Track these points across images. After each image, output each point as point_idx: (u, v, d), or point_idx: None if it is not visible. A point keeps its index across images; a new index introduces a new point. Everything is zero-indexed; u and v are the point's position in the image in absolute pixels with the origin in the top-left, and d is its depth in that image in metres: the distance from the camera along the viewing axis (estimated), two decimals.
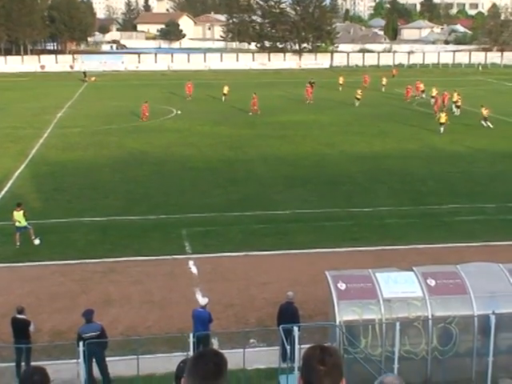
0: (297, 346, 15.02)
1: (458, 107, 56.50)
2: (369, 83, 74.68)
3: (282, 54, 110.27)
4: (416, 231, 27.07)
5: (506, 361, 16.71)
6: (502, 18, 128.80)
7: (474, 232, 26.90)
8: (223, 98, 65.21)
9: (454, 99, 57.18)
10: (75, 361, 15.54)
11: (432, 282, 16.80)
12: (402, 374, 15.71)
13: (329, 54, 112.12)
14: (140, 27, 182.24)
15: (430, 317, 16.35)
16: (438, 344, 16.43)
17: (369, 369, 14.17)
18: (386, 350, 16.19)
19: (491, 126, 49.27)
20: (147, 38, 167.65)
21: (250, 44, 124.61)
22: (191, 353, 15.48)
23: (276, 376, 15.64)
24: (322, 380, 3.67)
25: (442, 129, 47.42)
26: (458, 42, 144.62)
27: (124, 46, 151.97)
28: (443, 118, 47.94)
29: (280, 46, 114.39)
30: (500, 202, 30.61)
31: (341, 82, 68.16)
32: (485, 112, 50.27)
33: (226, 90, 65.84)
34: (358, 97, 61.52)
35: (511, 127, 50.54)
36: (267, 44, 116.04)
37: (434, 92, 60.36)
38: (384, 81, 71.76)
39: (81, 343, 15.15)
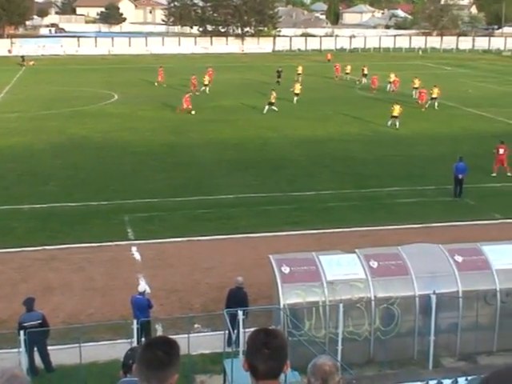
0: (241, 330, 15.01)
1: (415, 89, 57.58)
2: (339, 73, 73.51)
3: (224, 38, 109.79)
4: (358, 214, 27.32)
5: (447, 339, 17.03)
6: (442, 2, 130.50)
7: (414, 214, 27.29)
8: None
9: (416, 85, 57.87)
10: (16, 350, 15.26)
11: (374, 264, 16.98)
12: (346, 354, 15.90)
13: (271, 39, 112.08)
14: (79, 10, 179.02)
15: (372, 298, 16.54)
16: (381, 325, 16.64)
17: (313, 351, 14.24)
18: (329, 331, 16.33)
19: (436, 108, 50.40)
20: (87, 22, 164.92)
21: (192, 28, 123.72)
22: (135, 339, 15.36)
23: (221, 360, 15.60)
24: (267, 363, 3.66)
25: (394, 122, 44.41)
26: (398, 26, 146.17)
27: (63, 29, 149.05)
28: (396, 110, 44.62)
29: (222, 30, 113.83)
30: (439, 184, 31.10)
31: (299, 72, 67.65)
32: (436, 93, 51.14)
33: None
34: (297, 92, 55.88)
35: (450, 110, 51.39)
36: (209, 28, 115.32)
37: (417, 83, 58.23)
38: (348, 69, 71.14)
39: (22, 332, 14.90)
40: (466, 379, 13.15)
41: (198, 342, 16.35)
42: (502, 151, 32.94)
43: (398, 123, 44.15)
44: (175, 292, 20.17)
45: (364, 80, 67.03)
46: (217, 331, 16.96)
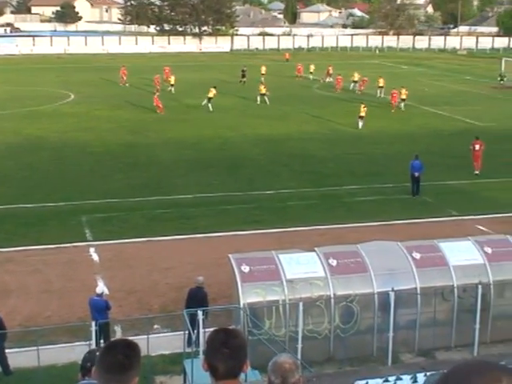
0: (201, 330, 14.95)
1: (381, 88, 58.17)
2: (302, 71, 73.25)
3: (181, 38, 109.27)
4: (317, 212, 27.43)
5: (406, 336, 17.19)
6: (398, 2, 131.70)
7: (373, 212, 27.49)
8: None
9: (381, 84, 58.29)
10: None
11: (333, 262, 17.05)
12: (306, 352, 15.93)
13: (229, 38, 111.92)
14: (35, 10, 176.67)
15: (332, 296, 16.60)
16: (340, 322, 16.72)
17: (273, 349, 14.23)
18: (289, 330, 16.35)
19: (403, 109, 50.85)
20: (42, 21, 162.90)
21: (149, 27, 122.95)
22: (93, 341, 15.20)
23: (181, 361, 15.53)
24: (227, 362, 3.65)
25: (358, 122, 44.44)
26: (355, 25, 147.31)
27: (18, 29, 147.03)
28: (363, 110, 44.27)
29: (180, 30, 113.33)
30: (397, 182, 31.37)
31: (263, 72, 67.34)
32: (404, 94, 51.51)
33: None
34: (263, 92, 54.75)
35: (407, 109, 51.86)
36: (167, 27, 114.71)
37: (382, 82, 58.29)
38: (312, 68, 71.12)
39: None
40: (425, 375, 13.25)
41: (157, 343, 16.23)
42: (477, 147, 33.11)
43: (361, 124, 44.16)
44: (134, 293, 20.01)
45: (329, 79, 67.17)
46: (176, 331, 16.86)
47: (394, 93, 51.70)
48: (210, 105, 49.67)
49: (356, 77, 62.55)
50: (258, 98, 54.48)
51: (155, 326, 17.75)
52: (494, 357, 14.52)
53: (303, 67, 71.66)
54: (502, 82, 67.57)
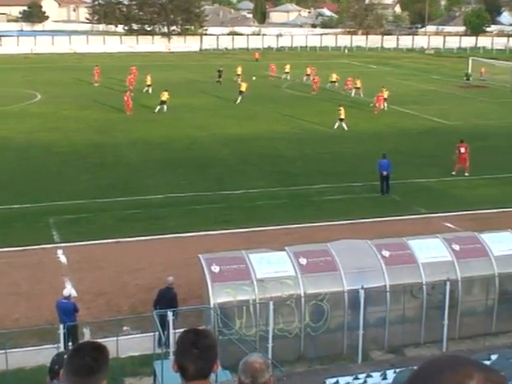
0: (171, 331, 14.87)
1: (357, 88, 58.44)
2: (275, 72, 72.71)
3: (150, 37, 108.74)
4: (286, 212, 27.45)
5: (375, 333, 17.28)
6: (366, 2, 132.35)
7: (343, 210, 27.59)
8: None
9: (358, 85, 58.60)
10: None
11: (303, 261, 17.07)
12: (276, 351, 15.93)
13: (198, 37, 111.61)
14: (1, 9, 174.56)
15: (302, 295, 16.62)
16: (311, 321, 16.75)
17: (243, 349, 14.20)
18: (260, 329, 16.34)
19: (386, 109, 50.99)
20: (9, 21, 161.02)
21: (117, 26, 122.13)
22: (61, 344, 15.05)
23: (151, 362, 15.43)
24: (196, 363, 3.62)
25: (341, 124, 43.88)
26: (324, 25, 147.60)
27: None
28: (342, 112, 43.88)
29: (148, 29, 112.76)
30: (366, 180, 31.52)
31: (239, 73, 67.02)
32: (385, 94, 51.64)
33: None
34: (243, 90, 55.03)
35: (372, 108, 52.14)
36: (135, 27, 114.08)
37: (358, 83, 58.56)
38: (288, 68, 70.99)
39: None
40: (395, 371, 13.33)
41: (127, 345, 16.13)
42: (463, 150, 33.07)
43: (344, 125, 43.93)
44: (102, 295, 19.84)
45: (306, 79, 66.80)
46: (146, 333, 16.75)
47: (380, 96, 51.28)
48: (165, 106, 49.10)
49: (334, 77, 62.71)
50: (239, 98, 54.27)
51: (124, 328, 17.62)
52: (463, 353, 14.64)
53: (276, 67, 71.67)
54: (468, 81, 68.25)
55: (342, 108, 44.24)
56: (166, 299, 16.73)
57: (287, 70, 70.02)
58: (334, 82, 62.49)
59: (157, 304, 16.80)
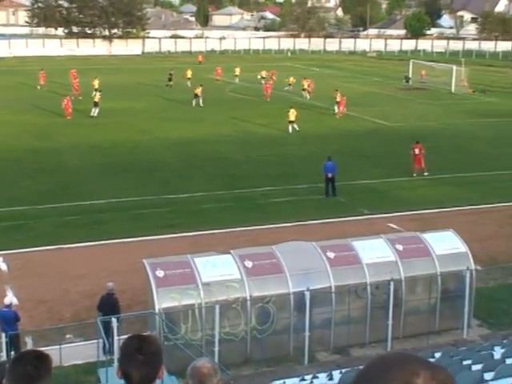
0: (116, 338, 14.69)
1: (306, 90, 58.71)
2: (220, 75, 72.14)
3: (91, 40, 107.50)
4: (232, 215, 27.41)
5: (321, 334, 17.36)
6: (309, 5, 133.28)
7: (288, 212, 27.68)
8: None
9: (305, 87, 58.75)
10: None
11: (249, 264, 17.06)
12: (223, 355, 15.87)
13: (140, 40, 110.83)
14: None
15: (248, 298, 16.59)
16: (257, 324, 16.74)
17: (190, 354, 14.11)
18: (206, 333, 16.26)
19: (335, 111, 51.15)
20: None
21: (56, 29, 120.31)
22: (4, 354, 14.74)
23: (95, 370, 15.22)
24: (141, 369, 3.57)
25: (293, 126, 43.96)
26: (267, 28, 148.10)
27: None
28: (292, 114, 43.87)
29: (89, 32, 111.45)
30: (310, 182, 31.69)
31: (189, 76, 66.39)
32: (338, 97, 51.75)
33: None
34: (198, 93, 54.92)
35: (319, 110, 52.56)
36: (75, 30, 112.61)
37: (306, 84, 58.90)
38: (237, 71, 70.65)
39: None
40: (340, 372, 13.42)
41: (70, 353, 15.88)
42: (417, 151, 33.61)
43: (296, 127, 43.95)
44: (44, 302, 19.49)
45: (263, 81, 66.44)
46: (90, 340, 16.51)
47: (343, 99, 51.15)
48: (96, 110, 48.56)
49: (291, 81, 62.83)
50: (194, 101, 54.43)
51: (67, 336, 17.35)
52: (408, 351, 14.76)
53: (221, 70, 71.47)
54: (407, 83, 69.22)
55: (292, 110, 44.37)
56: (108, 305, 16.53)
57: (237, 73, 69.92)
58: (290, 84, 62.76)
59: (99, 311, 16.59)
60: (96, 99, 48.84)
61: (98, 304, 16.90)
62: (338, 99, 51.57)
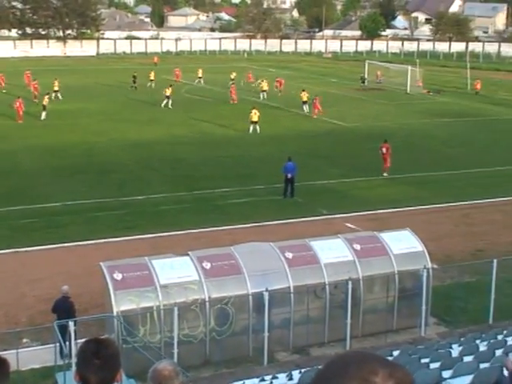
0: (73, 342, 14.52)
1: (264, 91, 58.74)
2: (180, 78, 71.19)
3: (45, 41, 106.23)
4: (190, 216, 27.31)
5: (280, 334, 17.38)
6: (265, 6, 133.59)
7: (247, 213, 27.68)
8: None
9: (264, 88, 58.87)
10: None
11: (207, 265, 17.00)
12: (182, 357, 15.79)
13: (95, 42, 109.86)
14: None
15: (206, 299, 16.54)
16: (216, 325, 16.70)
17: (148, 357, 14.02)
18: (165, 336, 16.17)
19: (307, 111, 51.32)
20: None
21: (10, 31, 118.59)
22: None
23: (53, 374, 15.03)
24: (98, 373, 3.51)
25: (255, 128, 43.78)
26: (223, 29, 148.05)
27: None
28: (255, 115, 43.76)
29: (43, 33, 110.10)
30: (268, 183, 31.73)
31: (152, 78, 65.35)
32: (304, 97, 52.12)
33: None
34: (168, 94, 54.57)
35: (275, 111, 52.67)
36: (29, 31, 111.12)
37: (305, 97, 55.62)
38: (200, 72, 70.08)
39: None
40: (300, 372, 13.45)
41: (27, 357, 15.65)
42: (384, 150, 34.03)
43: (257, 128, 43.89)
44: (0, 306, 19.16)
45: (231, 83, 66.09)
46: (47, 344, 16.29)
47: (316, 99, 51.00)
48: (44, 113, 47.90)
49: (265, 86, 62.51)
50: (164, 102, 54.01)
51: (24, 340, 17.10)
52: (367, 350, 14.88)
53: (180, 72, 70.88)
54: (363, 84, 69.82)
55: (254, 110, 44.33)
56: (63, 309, 16.35)
57: (200, 75, 69.48)
58: (265, 90, 62.74)
59: (53, 313, 16.43)
60: (44, 102, 48.05)
61: (52, 307, 16.72)
62: (305, 99, 51.99)
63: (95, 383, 3.54)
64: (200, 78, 69.17)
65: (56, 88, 57.08)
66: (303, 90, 53.27)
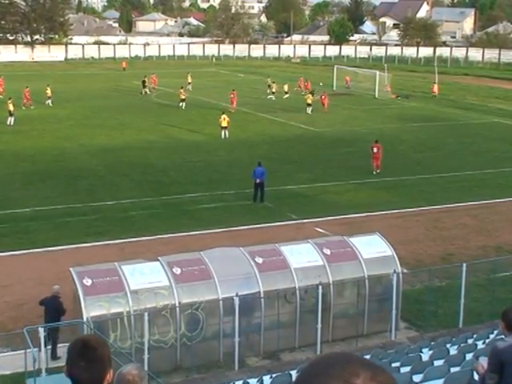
0: (43, 348, 14.45)
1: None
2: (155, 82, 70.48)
3: (13, 46, 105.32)
4: (160, 221, 27.26)
5: (251, 340, 17.41)
6: (233, 11, 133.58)
7: (217, 218, 27.69)
8: None
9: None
10: None
11: (178, 271, 17.00)
12: (153, 363, 15.78)
13: (63, 46, 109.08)
14: None
15: (177, 304, 16.53)
16: (186, 330, 16.69)
17: (119, 362, 13.94)
18: (135, 341, 16.13)
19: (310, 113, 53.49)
20: None
21: None
22: None
23: (23, 380, 14.91)
24: (84, 374, 3.46)
25: (225, 132, 44.16)
26: (191, 34, 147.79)
27: None
28: (224, 120, 44.18)
29: (11, 38, 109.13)
30: (238, 188, 31.78)
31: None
32: (309, 99, 54.23)
33: None
34: (183, 97, 56.42)
35: (244, 116, 52.73)
36: None
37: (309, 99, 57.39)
38: (190, 78, 69.57)
39: None
40: (271, 377, 13.50)
41: None
42: (375, 150, 35.28)
43: (227, 133, 43.93)
44: None
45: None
46: (17, 350, 16.16)
47: (324, 94, 55.19)
48: (12, 118, 47.36)
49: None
50: (180, 104, 55.80)
51: None
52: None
53: (157, 78, 70.15)
54: (333, 89, 70.07)
55: (224, 115, 44.36)
56: (53, 307, 16.53)
57: (189, 81, 68.62)
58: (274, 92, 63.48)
59: (46, 314, 16.62)
60: (10, 108, 47.53)
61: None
62: (309, 101, 54.89)
63: (83, 382, 3.53)
64: (189, 83, 68.25)
65: (49, 94, 56.43)
66: (310, 93, 55.23)
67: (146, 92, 64.23)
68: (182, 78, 67.60)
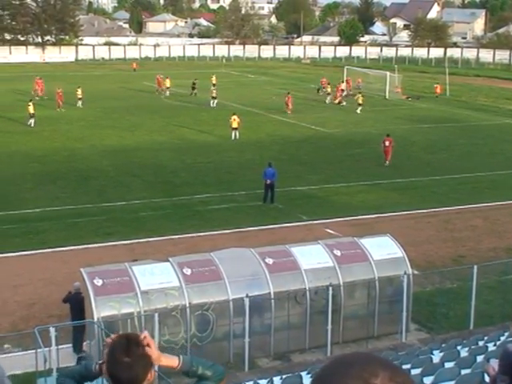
0: (54, 348, 14.48)
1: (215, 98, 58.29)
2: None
3: (24, 47, 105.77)
4: (170, 222, 27.28)
5: (261, 340, 17.39)
6: (243, 12, 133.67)
7: (227, 219, 27.69)
8: None
9: (213, 94, 58.54)
10: None
11: (188, 271, 17.00)
12: None
13: (74, 47, 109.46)
14: None
15: (187, 305, 16.54)
16: (197, 331, 16.70)
17: None
18: None
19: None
20: None
21: None
22: None
23: (34, 380, 14.95)
24: (127, 372, 3.29)
25: (235, 134, 43.85)
26: (202, 35, 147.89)
27: None
28: (235, 121, 43.78)
29: (22, 39, 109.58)
30: (248, 189, 31.76)
31: (168, 86, 64.62)
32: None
33: None
34: (214, 95, 57.66)
35: (255, 117, 52.68)
36: (8, 37, 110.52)
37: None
38: (215, 79, 69.50)
39: None
40: (281, 378, 13.48)
41: (8, 363, 15.48)
42: (387, 143, 36.90)
43: (237, 134, 43.78)
44: None
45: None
46: (28, 350, 16.21)
47: (338, 87, 57.87)
48: (32, 120, 47.38)
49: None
50: (211, 102, 57.12)
51: (5, 346, 17.04)
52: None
53: (162, 79, 70.21)
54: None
55: (234, 116, 44.19)
56: (77, 303, 16.82)
57: (214, 82, 67.20)
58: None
59: (73, 310, 16.96)
60: (30, 110, 47.59)
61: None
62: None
63: (125, 382, 3.39)
64: (214, 84, 66.31)
65: (80, 96, 56.52)
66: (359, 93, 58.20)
67: (195, 94, 63.85)
68: (191, 79, 67.52)
